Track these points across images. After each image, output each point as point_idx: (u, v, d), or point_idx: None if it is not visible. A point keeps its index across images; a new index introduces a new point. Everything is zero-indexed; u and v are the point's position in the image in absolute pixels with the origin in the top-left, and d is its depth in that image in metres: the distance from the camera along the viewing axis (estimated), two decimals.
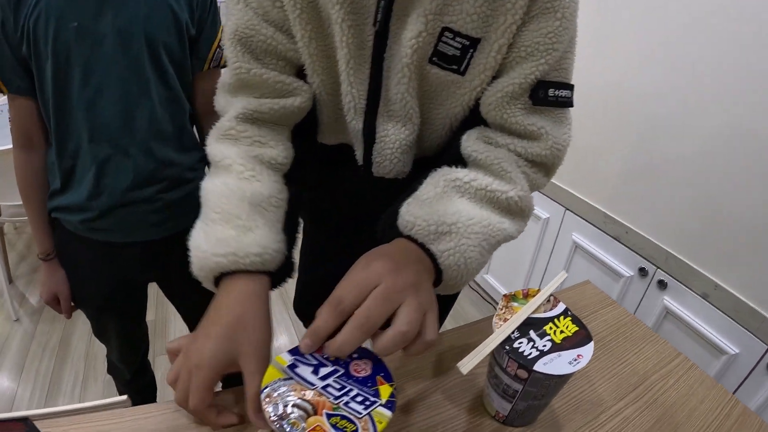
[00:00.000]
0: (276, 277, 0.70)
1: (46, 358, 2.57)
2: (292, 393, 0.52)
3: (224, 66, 1.30)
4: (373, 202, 0.81)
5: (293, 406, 0.51)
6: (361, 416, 0.50)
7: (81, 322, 2.78)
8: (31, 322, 2.84)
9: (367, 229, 0.80)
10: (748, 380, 1.57)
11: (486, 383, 0.71)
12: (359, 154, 0.81)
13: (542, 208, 2.27)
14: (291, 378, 0.54)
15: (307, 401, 0.51)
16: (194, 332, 0.63)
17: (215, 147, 0.76)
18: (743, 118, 1.48)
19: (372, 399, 0.52)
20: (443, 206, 0.66)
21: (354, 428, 0.49)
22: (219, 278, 0.67)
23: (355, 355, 0.57)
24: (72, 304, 1.37)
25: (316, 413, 0.50)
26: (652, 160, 1.77)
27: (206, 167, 1.31)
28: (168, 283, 1.49)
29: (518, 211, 0.72)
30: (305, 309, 1.34)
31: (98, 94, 1.08)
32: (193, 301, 1.51)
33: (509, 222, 0.71)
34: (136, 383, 1.68)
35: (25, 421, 0.50)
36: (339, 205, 0.99)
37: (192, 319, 1.64)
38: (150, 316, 1.74)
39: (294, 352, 0.57)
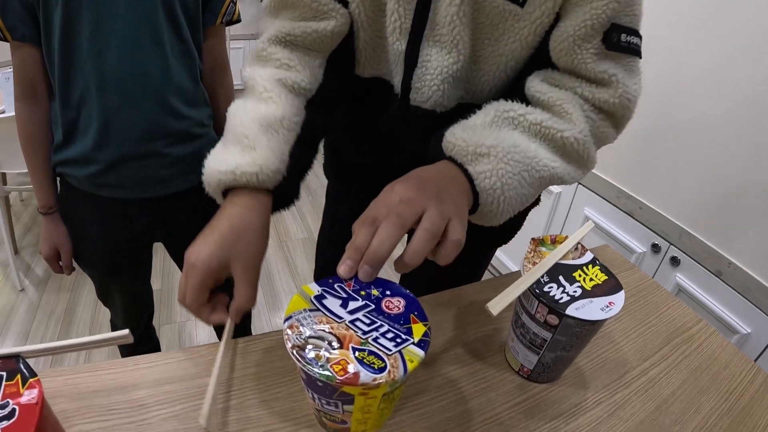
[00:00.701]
0: (278, 197, 0.71)
1: (51, 326, 2.57)
2: (318, 324, 0.50)
3: (236, 21, 1.29)
4: (406, 138, 0.80)
5: (317, 338, 0.48)
6: (390, 353, 0.48)
7: (86, 291, 2.80)
8: (37, 292, 2.85)
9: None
10: (759, 360, 1.55)
11: (510, 335, 0.69)
12: (397, 80, 0.77)
13: None
14: (317, 309, 0.52)
15: (333, 334, 0.49)
16: (197, 237, 0.66)
17: (247, 69, 0.77)
18: (764, 91, 1.45)
19: (404, 337, 0.50)
20: (488, 132, 0.65)
21: (382, 365, 0.46)
22: (225, 194, 0.69)
23: (387, 292, 0.55)
24: (74, 263, 1.35)
25: (342, 347, 0.48)
26: (668, 134, 1.75)
27: (212, 125, 1.31)
28: (174, 243, 1.47)
29: (574, 154, 0.69)
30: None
31: (109, 43, 1.05)
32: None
33: (561, 163, 0.68)
34: (140, 349, 1.65)
35: (17, 357, 0.49)
36: (368, 149, 0.95)
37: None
38: (156, 286, 1.73)
39: (322, 283, 0.55)
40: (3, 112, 2.71)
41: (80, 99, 1.10)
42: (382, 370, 0.46)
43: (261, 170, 0.65)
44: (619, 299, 0.60)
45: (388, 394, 0.50)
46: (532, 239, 0.69)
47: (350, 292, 0.55)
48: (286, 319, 0.51)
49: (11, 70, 2.62)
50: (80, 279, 2.92)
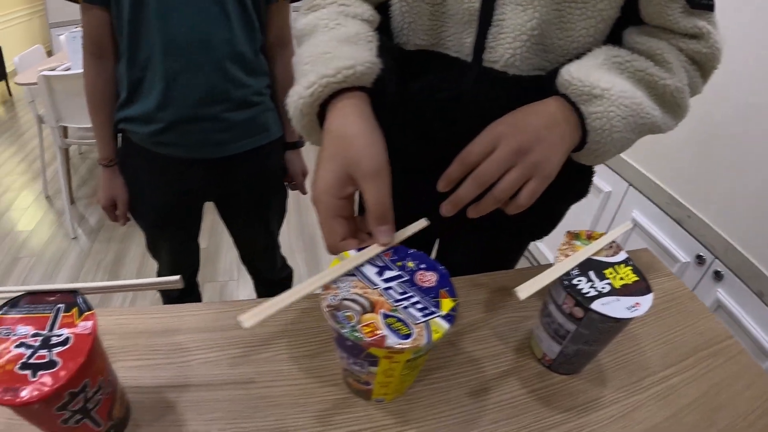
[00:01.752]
0: (375, 94, 0.66)
1: (99, 274, 2.69)
2: (353, 288, 0.53)
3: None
4: (472, 106, 0.77)
5: (351, 300, 0.51)
6: (417, 322, 0.50)
7: (135, 244, 2.91)
8: (88, 241, 2.98)
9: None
10: None
11: (537, 324, 0.70)
12: (469, 41, 0.73)
13: (605, 181, 2.21)
14: (354, 275, 0.55)
15: (366, 298, 0.52)
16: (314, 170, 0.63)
17: (301, 21, 0.75)
18: None
19: (432, 309, 0.52)
20: (601, 74, 0.66)
21: (408, 332, 0.49)
22: (321, 122, 0.66)
23: (422, 266, 0.58)
24: (128, 214, 1.43)
25: (373, 311, 0.51)
26: (724, 143, 1.70)
27: (270, 96, 1.34)
28: (226, 204, 1.53)
29: (672, 103, 0.71)
30: None
31: (176, 9, 1.10)
32: (247, 224, 1.57)
33: (660, 112, 0.70)
34: (183, 301, 1.72)
35: (75, 292, 0.54)
36: (414, 131, 0.88)
37: (243, 245, 1.69)
38: (203, 244, 1.79)
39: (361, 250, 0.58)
40: (68, 69, 2.82)
41: (146, 60, 1.15)
42: (407, 336, 0.49)
43: (356, 62, 0.62)
44: (646, 301, 0.60)
45: (411, 360, 0.53)
46: (568, 232, 0.70)
47: (388, 261, 0.57)
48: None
49: (79, 29, 2.73)
50: (130, 231, 3.04)
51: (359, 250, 0.58)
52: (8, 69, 6.15)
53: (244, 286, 2.61)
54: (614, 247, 0.69)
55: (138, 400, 0.61)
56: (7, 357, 0.47)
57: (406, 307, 0.52)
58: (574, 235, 0.70)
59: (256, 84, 1.28)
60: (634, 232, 2.08)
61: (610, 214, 2.22)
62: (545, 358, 0.69)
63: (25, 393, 0.44)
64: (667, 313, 0.86)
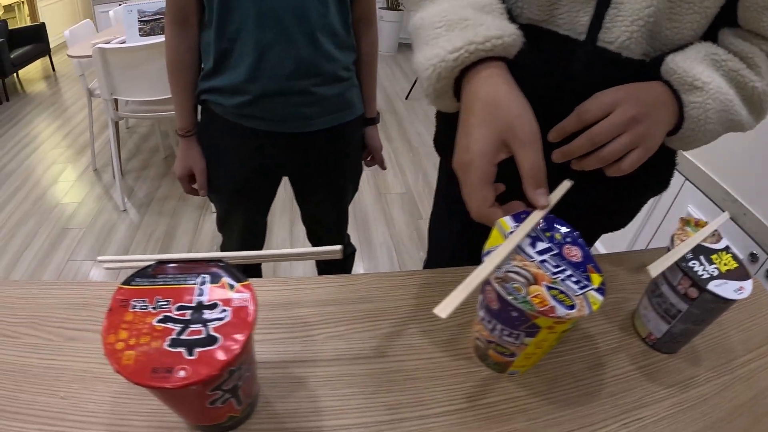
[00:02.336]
0: (512, 66, 0.66)
1: (150, 247, 2.74)
2: (513, 261, 0.55)
3: None
4: (583, 84, 0.76)
5: (514, 272, 0.53)
6: (576, 294, 0.53)
7: (186, 218, 2.97)
8: (138, 214, 3.04)
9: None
10: None
11: (643, 304, 0.73)
12: (585, 19, 0.72)
13: None
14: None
15: (527, 270, 0.54)
16: (456, 141, 0.63)
17: (415, 16, 0.73)
18: None
19: (585, 282, 0.54)
20: (702, 68, 0.68)
21: (571, 303, 0.51)
22: (458, 90, 0.66)
23: (568, 239, 0.60)
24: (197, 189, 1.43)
25: (536, 283, 0.53)
26: None
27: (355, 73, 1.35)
28: (303, 179, 1.53)
29: (757, 105, 0.73)
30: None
31: None
32: (322, 200, 1.58)
33: (746, 112, 0.73)
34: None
35: (219, 262, 0.52)
36: (539, 98, 0.82)
37: (314, 221, 1.70)
38: None
39: (516, 218, 0.60)
40: (123, 42, 2.87)
41: (236, 31, 1.15)
42: (571, 308, 0.51)
43: (504, 33, 0.62)
44: (748, 286, 0.63)
45: (565, 332, 0.55)
46: (681, 219, 0.73)
47: (539, 231, 0.60)
48: (486, 253, 0.55)
49: (134, 4, 2.78)
50: (180, 206, 3.11)
51: (518, 217, 0.59)
52: (52, 45, 6.25)
53: (297, 264, 2.63)
54: (716, 235, 0.72)
55: (264, 376, 0.61)
56: (149, 333, 0.43)
57: (563, 280, 0.54)
58: (685, 222, 0.72)
59: (345, 59, 1.28)
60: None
61: (664, 207, 2.22)
62: (650, 336, 0.72)
63: (184, 373, 0.40)
64: (746, 302, 0.87)
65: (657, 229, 2.25)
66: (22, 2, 6.96)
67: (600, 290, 0.54)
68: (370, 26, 1.38)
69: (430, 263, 1.25)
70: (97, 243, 2.81)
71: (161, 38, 2.61)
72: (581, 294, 0.53)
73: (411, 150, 4.01)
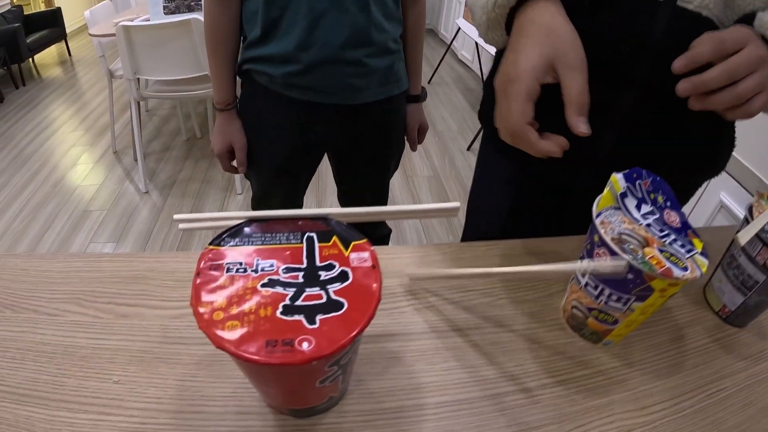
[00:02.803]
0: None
1: (174, 229, 2.74)
2: (624, 224, 0.54)
3: None
4: (663, 45, 0.74)
5: (627, 235, 0.53)
6: (686, 257, 0.51)
7: (210, 200, 2.97)
8: (161, 196, 3.04)
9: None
10: None
11: (717, 277, 0.71)
12: None
13: None
14: (619, 208, 0.56)
15: (637, 233, 0.53)
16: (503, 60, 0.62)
17: None
18: None
19: (690, 246, 0.53)
20: None
21: (684, 265, 0.50)
22: (509, 25, 0.67)
23: (668, 203, 0.59)
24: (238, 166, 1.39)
25: (648, 246, 0.52)
26: None
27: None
28: (346, 153, 1.49)
29: None
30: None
31: None
32: (363, 176, 1.55)
33: None
34: None
35: (325, 219, 0.47)
36: (615, 62, 0.81)
37: (353, 197, 1.67)
38: None
39: (628, 177, 0.59)
40: (147, 20, 2.86)
41: None
42: (685, 269, 0.49)
43: None
44: None
45: (671, 296, 0.54)
46: (757, 192, 0.71)
47: (644, 192, 0.58)
48: (598, 215, 0.55)
49: None
50: (204, 188, 3.10)
51: (629, 176, 0.60)
52: (68, 30, 6.27)
53: None
54: None
55: None
56: (254, 299, 0.37)
57: (670, 243, 0.53)
58: (760, 195, 0.71)
59: (393, 31, 1.25)
60: (719, 213, 2.07)
61: (696, 194, 2.20)
62: (724, 309, 0.70)
63: (308, 345, 0.34)
64: None
65: (688, 215, 2.24)
66: None
67: (704, 254, 0.53)
68: (417, 1, 1.34)
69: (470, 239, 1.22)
70: (119, 225, 2.81)
71: (186, 16, 2.59)
72: (689, 257, 0.52)
73: (436, 134, 3.99)
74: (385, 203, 1.70)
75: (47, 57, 6.27)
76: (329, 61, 1.16)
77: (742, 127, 1.70)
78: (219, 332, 0.35)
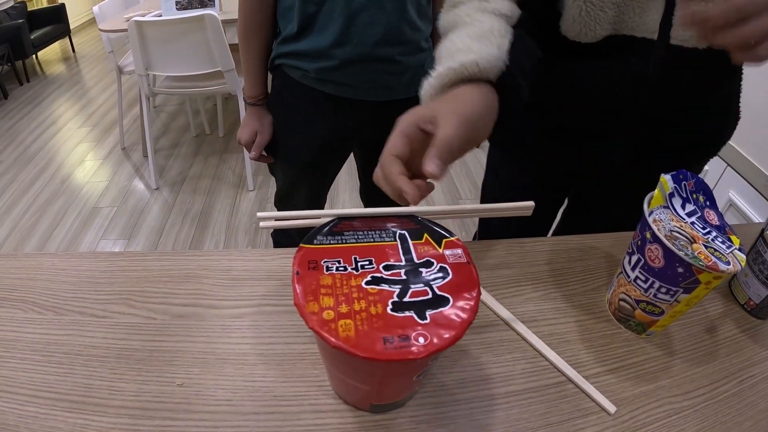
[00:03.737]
0: (501, 92, 0.65)
1: (186, 226, 2.75)
2: (672, 222, 0.58)
3: None
4: (657, 81, 0.76)
5: (676, 232, 0.56)
6: (726, 252, 0.55)
7: (222, 196, 2.98)
8: (171, 192, 3.05)
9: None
10: None
11: (744, 271, 0.74)
12: (656, 17, 0.71)
13: None
14: (668, 207, 0.60)
15: (684, 230, 0.57)
16: None
17: (443, 18, 0.76)
18: None
19: (728, 243, 0.57)
20: None
21: (727, 260, 0.53)
22: None
23: (707, 203, 0.63)
24: (269, 155, 1.41)
25: (694, 242, 0.55)
26: None
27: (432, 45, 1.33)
28: (373, 150, 1.48)
29: None
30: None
31: None
32: (370, 184, 1.57)
33: None
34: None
35: (413, 217, 0.49)
36: (581, 113, 0.87)
37: (371, 195, 1.68)
38: None
39: (675, 178, 0.61)
40: (159, 16, 2.86)
41: None
42: (728, 264, 0.53)
43: (481, 58, 0.62)
44: None
45: (713, 288, 0.57)
46: None
47: (688, 192, 0.62)
48: (650, 213, 0.58)
49: None
50: (216, 184, 3.11)
51: (676, 177, 0.62)
52: (72, 26, 6.27)
53: None
54: None
55: None
56: (363, 297, 0.38)
57: (713, 240, 0.57)
58: None
59: (425, 29, 1.26)
60: (729, 211, 2.10)
61: None
62: (749, 302, 0.73)
63: (424, 340, 0.35)
64: None
65: None
66: None
67: (741, 250, 0.56)
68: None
69: (485, 235, 1.26)
70: (129, 222, 2.82)
71: (199, 12, 2.60)
72: (730, 252, 0.55)
73: None
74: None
75: (51, 53, 6.27)
76: (364, 58, 1.18)
77: (749, 125, 1.72)
78: (334, 331, 0.36)
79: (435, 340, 0.35)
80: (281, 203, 1.57)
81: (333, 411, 0.51)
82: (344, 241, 0.44)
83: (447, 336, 0.35)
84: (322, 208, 1.60)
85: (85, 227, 2.81)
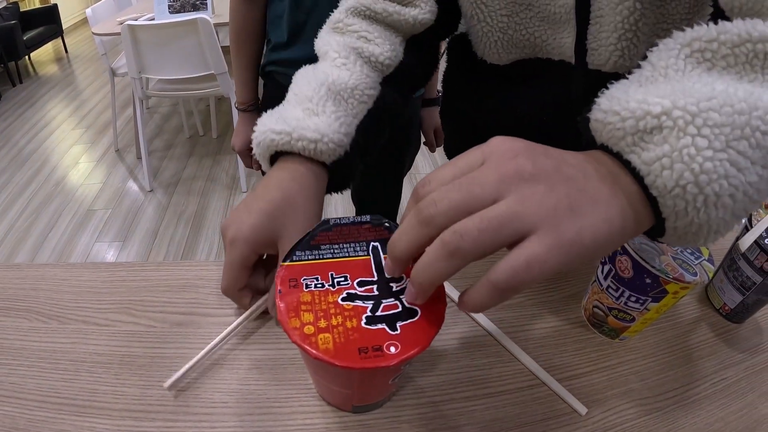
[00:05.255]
0: (333, 174, 0.63)
1: (180, 227, 2.77)
2: (640, 237, 0.60)
3: None
4: (581, 104, 0.71)
5: (645, 244, 0.59)
6: (695, 263, 0.58)
7: (216, 197, 3.01)
8: (165, 194, 3.07)
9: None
10: None
11: (720, 277, 0.77)
12: (569, 41, 0.66)
13: None
14: None
15: (655, 243, 0.60)
16: (236, 207, 0.58)
17: (321, 38, 0.73)
18: None
19: (697, 253, 0.60)
20: (659, 88, 0.38)
21: (694, 271, 0.57)
22: (275, 158, 0.63)
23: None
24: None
25: (663, 254, 0.59)
26: None
27: None
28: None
29: None
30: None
31: None
32: (380, 173, 1.59)
33: None
34: None
35: (389, 227, 0.49)
36: (524, 133, 0.82)
37: (367, 195, 1.70)
38: None
39: None
40: (152, 19, 2.88)
41: (314, 3, 1.14)
42: (695, 274, 0.56)
43: (321, 139, 0.58)
44: None
45: (682, 297, 0.60)
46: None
47: None
48: None
49: None
50: (209, 186, 3.14)
51: None
52: (64, 26, 6.26)
53: None
54: None
55: None
56: (339, 313, 0.41)
57: (682, 251, 0.60)
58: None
59: None
60: None
61: None
62: (724, 307, 0.76)
63: (395, 350, 0.38)
64: None
65: None
66: None
67: (710, 260, 0.59)
68: None
69: None
70: (124, 224, 2.84)
71: (192, 15, 2.63)
72: (698, 263, 0.58)
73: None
74: (398, 203, 1.75)
75: (44, 54, 6.27)
76: None
77: None
78: (315, 344, 0.39)
79: (406, 349, 0.38)
80: None
81: (320, 412, 0.54)
82: (321, 256, 0.46)
83: (416, 345, 0.38)
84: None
85: (80, 230, 2.83)
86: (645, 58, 0.42)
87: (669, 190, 0.34)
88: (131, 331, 0.63)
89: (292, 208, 0.56)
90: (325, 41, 0.71)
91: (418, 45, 0.73)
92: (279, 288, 0.43)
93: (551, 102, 0.75)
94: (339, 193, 0.67)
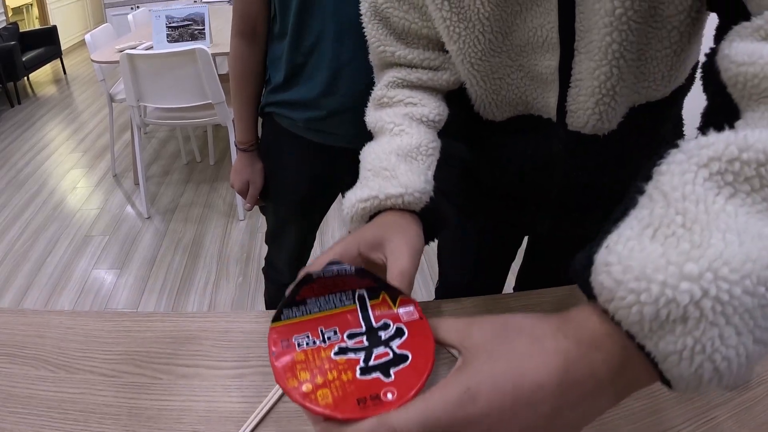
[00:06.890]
0: (425, 221, 0.63)
1: (178, 255, 2.77)
2: None
3: None
4: (568, 167, 0.78)
5: None
6: None
7: (213, 225, 3.00)
8: (163, 221, 3.07)
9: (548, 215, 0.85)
10: None
11: None
12: (553, 101, 0.70)
13: None
14: None
15: None
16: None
17: (371, 116, 0.78)
18: None
19: None
20: (681, 246, 0.32)
21: None
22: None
23: None
24: (259, 197, 1.43)
25: None
26: None
27: None
28: None
29: None
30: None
31: None
32: None
33: None
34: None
35: (362, 272, 0.48)
36: (517, 180, 0.87)
37: None
38: None
39: None
40: (150, 48, 2.91)
41: (313, 45, 1.14)
42: None
43: (406, 191, 0.60)
44: None
45: None
46: None
47: None
48: None
49: (161, 8, 2.79)
50: (207, 213, 3.13)
51: None
52: (63, 48, 6.31)
53: None
54: None
55: None
56: (333, 368, 0.42)
57: None
58: None
59: None
60: None
61: None
62: None
63: (392, 396, 0.39)
64: None
65: None
66: (32, 4, 7.01)
67: None
68: None
69: (443, 288, 1.30)
70: (122, 251, 2.84)
71: (190, 45, 2.66)
72: None
73: None
74: None
75: (42, 75, 6.30)
76: (350, 108, 1.17)
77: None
78: (315, 401, 0.40)
79: (402, 394, 0.39)
80: (272, 241, 1.60)
81: None
82: (308, 311, 0.46)
83: (411, 389, 0.40)
84: (312, 244, 1.65)
85: (78, 255, 2.82)
86: (650, 178, 0.37)
87: (685, 378, 0.31)
88: (138, 382, 0.64)
89: (393, 226, 0.58)
90: (376, 117, 0.75)
91: (459, 97, 0.77)
92: (272, 350, 0.44)
93: (537, 154, 0.79)
94: (434, 240, 0.68)
